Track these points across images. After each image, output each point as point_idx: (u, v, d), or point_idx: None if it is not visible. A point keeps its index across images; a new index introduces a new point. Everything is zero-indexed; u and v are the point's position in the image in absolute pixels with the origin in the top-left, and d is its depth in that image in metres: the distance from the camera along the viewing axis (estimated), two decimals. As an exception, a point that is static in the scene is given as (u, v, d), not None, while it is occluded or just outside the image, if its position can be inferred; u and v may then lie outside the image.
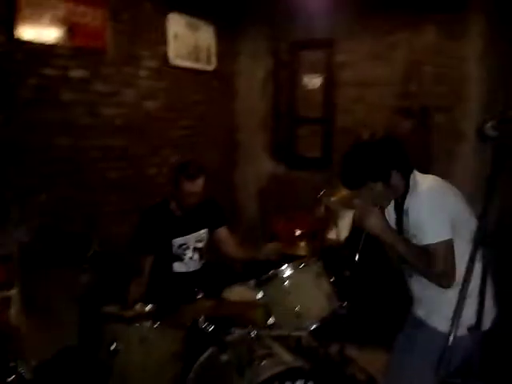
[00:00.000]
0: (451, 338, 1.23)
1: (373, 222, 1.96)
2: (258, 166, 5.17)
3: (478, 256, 1.41)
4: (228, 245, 3.00)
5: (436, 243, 1.85)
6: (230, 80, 4.94)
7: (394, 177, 1.97)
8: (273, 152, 5.08)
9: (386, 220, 2.05)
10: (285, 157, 5.01)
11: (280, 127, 4.98)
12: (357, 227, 2.08)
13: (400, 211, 2.05)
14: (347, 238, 3.25)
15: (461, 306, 1.25)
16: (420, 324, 2.05)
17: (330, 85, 4.64)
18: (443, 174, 4.10)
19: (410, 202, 1.98)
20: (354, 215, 2.12)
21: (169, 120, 4.10)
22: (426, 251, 1.88)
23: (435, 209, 1.90)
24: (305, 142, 4.90)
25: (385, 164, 1.96)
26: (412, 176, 2.00)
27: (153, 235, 2.67)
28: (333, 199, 3.25)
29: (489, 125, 1.39)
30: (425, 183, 1.99)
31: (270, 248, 3.01)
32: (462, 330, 1.34)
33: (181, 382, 2.23)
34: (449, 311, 1.35)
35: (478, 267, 1.41)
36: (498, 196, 1.33)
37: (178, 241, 2.75)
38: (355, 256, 2.07)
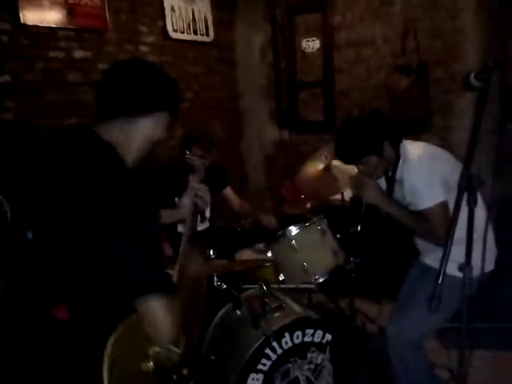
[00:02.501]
0: (441, 276, 1.32)
1: (371, 194, 2.06)
2: (263, 133, 5.22)
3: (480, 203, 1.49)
4: (233, 203, 3.19)
5: (432, 206, 1.94)
6: (229, 49, 4.94)
7: (385, 147, 2.05)
8: (276, 118, 5.11)
9: (383, 190, 2.14)
10: (288, 122, 5.05)
11: (282, 93, 5.00)
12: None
13: (391, 182, 2.14)
14: (351, 198, 3.33)
15: (449, 247, 1.34)
16: (428, 270, 2.14)
17: (327, 47, 4.63)
18: (443, 128, 4.16)
19: (404, 171, 2.07)
20: (352, 188, 2.21)
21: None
22: (423, 216, 1.97)
23: (427, 174, 1.99)
24: (307, 106, 4.92)
25: (376, 136, 2.04)
26: (402, 145, 2.08)
27: (157, 194, 2.79)
28: (335, 163, 3.32)
29: (472, 75, 1.44)
30: (415, 151, 2.07)
31: (268, 220, 3.11)
32: (476, 272, 1.43)
33: (200, 339, 2.37)
34: (456, 255, 1.41)
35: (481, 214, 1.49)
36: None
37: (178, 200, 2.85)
38: (358, 225, 2.17)
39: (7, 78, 2.89)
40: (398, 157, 2.08)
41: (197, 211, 1.79)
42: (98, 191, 1.18)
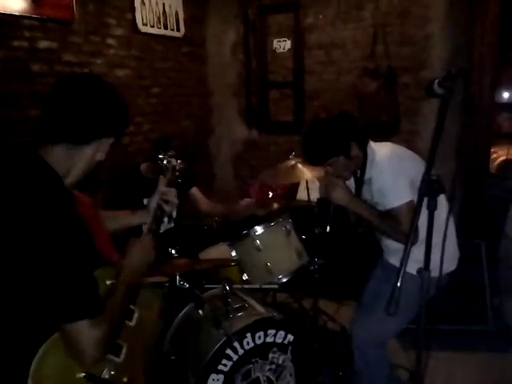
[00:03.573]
0: (400, 279, 1.35)
1: (339, 194, 2.08)
2: (233, 132, 5.22)
3: (443, 207, 1.51)
4: (202, 203, 3.17)
5: (399, 206, 1.98)
6: (200, 46, 4.91)
7: (353, 149, 2.08)
8: (246, 117, 5.11)
9: (351, 191, 2.17)
10: (258, 122, 5.06)
11: (252, 92, 5.00)
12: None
13: (360, 182, 2.17)
14: (318, 200, 3.36)
15: (409, 249, 1.37)
16: (391, 269, 2.19)
17: (298, 48, 4.66)
18: (409, 132, 4.26)
19: (373, 172, 2.11)
20: (320, 189, 2.24)
21: (140, 88, 4.10)
22: (391, 215, 2.01)
23: (395, 174, 2.03)
24: (277, 106, 4.94)
25: (344, 137, 2.07)
26: (368, 146, 2.12)
27: (124, 195, 2.77)
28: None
29: (436, 82, 1.48)
30: (382, 151, 2.12)
31: (244, 205, 3.12)
32: (434, 273, 1.48)
33: (160, 339, 2.35)
34: (419, 254, 1.48)
35: (442, 217, 1.54)
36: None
37: (147, 201, 2.83)
38: (327, 227, 2.19)
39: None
40: (365, 158, 2.11)
41: (161, 214, 1.77)
42: (29, 216, 1.19)
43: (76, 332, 1.20)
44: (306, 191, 3.39)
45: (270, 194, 3.60)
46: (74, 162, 1.34)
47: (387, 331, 2.14)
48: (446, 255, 1.51)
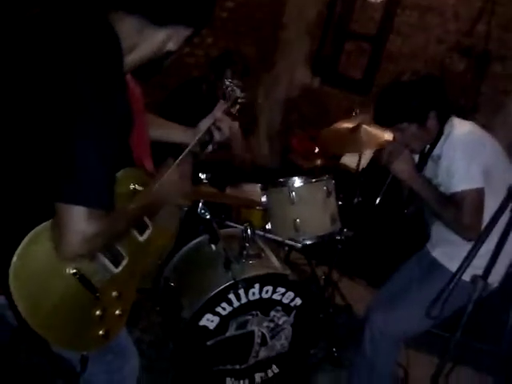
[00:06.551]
0: (455, 281, 1.17)
1: (401, 165, 1.87)
2: (293, 73, 4.94)
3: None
4: (236, 145, 2.97)
5: (465, 190, 1.76)
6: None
7: (430, 119, 1.85)
8: (313, 62, 4.83)
9: (415, 164, 1.95)
10: (324, 70, 4.78)
11: (327, 36, 4.69)
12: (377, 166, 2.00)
13: (425, 157, 1.95)
14: (364, 169, 3.17)
15: (474, 252, 1.18)
16: (433, 265, 2.02)
17: (392, 3, 4.29)
18: (483, 126, 3.92)
19: (444, 148, 1.88)
20: (382, 156, 2.01)
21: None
22: (453, 200, 1.80)
23: (470, 155, 1.80)
24: (349, 59, 4.65)
25: (424, 103, 1.84)
26: (449, 121, 1.88)
27: (180, 109, 2.62)
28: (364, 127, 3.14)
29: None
30: (461, 128, 1.88)
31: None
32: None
33: (165, 262, 2.26)
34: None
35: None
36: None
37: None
38: (376, 199, 2.00)
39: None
40: (440, 133, 1.89)
41: (209, 140, 1.62)
42: (74, 68, 1.07)
43: (68, 216, 1.05)
44: (352, 157, 3.19)
45: (316, 150, 3.39)
46: (142, 40, 1.21)
47: (409, 329, 1.98)
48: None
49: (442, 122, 1.89)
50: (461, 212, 1.76)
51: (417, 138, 1.91)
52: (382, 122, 1.98)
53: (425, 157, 1.97)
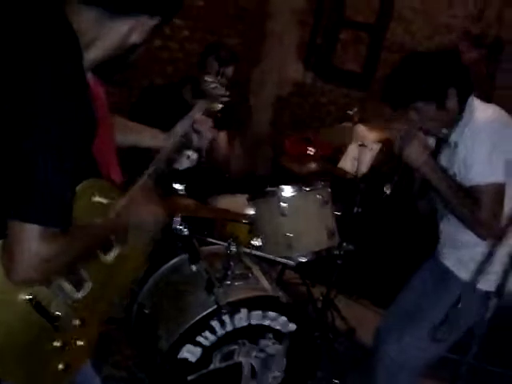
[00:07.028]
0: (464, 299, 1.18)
1: (415, 151, 1.84)
2: (283, 68, 5.00)
3: None
4: (220, 152, 2.97)
5: (485, 184, 1.77)
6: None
7: (450, 98, 1.84)
8: (305, 54, 4.89)
9: (431, 151, 1.93)
10: (317, 63, 4.84)
11: (320, 26, 4.75)
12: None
13: (440, 145, 1.95)
14: (365, 175, 3.18)
15: (488, 259, 1.19)
16: (445, 277, 2.02)
17: (392, -14, 4.37)
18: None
19: (463, 133, 1.86)
20: (394, 140, 1.99)
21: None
22: (471, 194, 1.80)
23: (492, 144, 1.79)
24: (346, 50, 4.72)
25: (443, 79, 1.82)
26: (469, 101, 1.87)
27: (154, 111, 2.65)
28: (362, 127, 3.16)
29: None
30: (484, 112, 1.86)
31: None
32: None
33: (138, 287, 2.26)
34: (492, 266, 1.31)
35: None
36: None
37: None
38: (387, 189, 1.97)
39: None
40: (458, 117, 1.88)
41: (185, 146, 1.62)
42: (29, 72, 1.08)
43: (20, 235, 1.05)
44: (352, 160, 3.20)
45: (312, 152, 3.39)
46: (102, 34, 1.21)
47: (427, 355, 1.97)
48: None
49: (463, 101, 1.87)
50: (477, 206, 1.75)
51: (434, 120, 1.88)
52: (394, 102, 1.94)
53: (440, 143, 1.97)
